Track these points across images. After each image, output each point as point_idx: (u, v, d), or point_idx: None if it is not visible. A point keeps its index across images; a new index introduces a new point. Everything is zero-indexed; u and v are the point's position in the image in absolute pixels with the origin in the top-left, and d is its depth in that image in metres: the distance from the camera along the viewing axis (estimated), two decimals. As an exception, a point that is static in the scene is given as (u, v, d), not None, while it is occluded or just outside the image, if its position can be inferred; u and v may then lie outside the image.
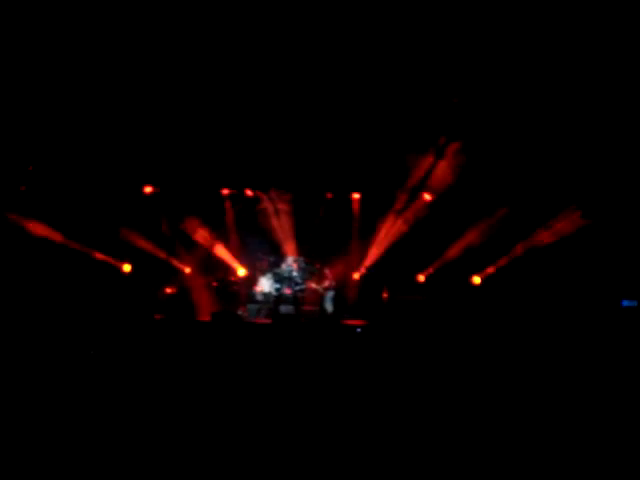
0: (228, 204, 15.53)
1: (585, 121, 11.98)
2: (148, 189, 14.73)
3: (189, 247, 14.75)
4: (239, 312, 13.25)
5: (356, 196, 15.52)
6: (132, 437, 5.35)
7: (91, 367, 7.98)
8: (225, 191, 15.46)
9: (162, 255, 14.41)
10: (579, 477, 4.76)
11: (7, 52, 10.70)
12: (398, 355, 9.46)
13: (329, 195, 15.46)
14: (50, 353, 8.44)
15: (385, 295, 14.02)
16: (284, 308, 13.49)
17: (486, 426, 5.81)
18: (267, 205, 15.32)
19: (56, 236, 12.97)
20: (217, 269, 14.87)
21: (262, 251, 14.94)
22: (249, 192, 15.45)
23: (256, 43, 11.21)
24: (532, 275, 12.87)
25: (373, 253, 14.93)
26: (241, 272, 15.01)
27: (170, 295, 13.81)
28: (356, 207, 15.57)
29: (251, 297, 14.01)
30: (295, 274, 14.25)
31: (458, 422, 5.94)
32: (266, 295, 13.72)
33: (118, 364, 8.23)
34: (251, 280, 14.65)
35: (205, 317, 12.56)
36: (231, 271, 14.97)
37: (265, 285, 13.85)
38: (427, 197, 14.57)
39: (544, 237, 12.92)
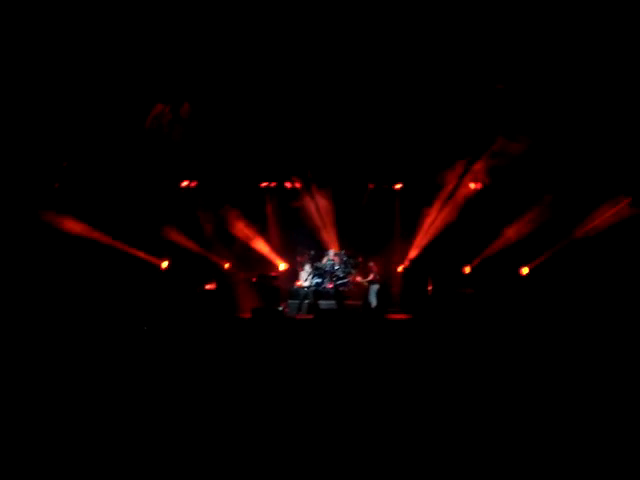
0: (268, 197, 15.36)
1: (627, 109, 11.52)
2: (185, 183, 14.69)
3: (228, 242, 14.60)
4: (280, 308, 13.00)
5: (398, 186, 15.18)
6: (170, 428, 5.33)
7: (128, 365, 7.89)
8: (264, 184, 15.31)
9: (201, 251, 14.29)
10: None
11: (43, 49, 10.69)
12: (444, 350, 9.12)
13: (371, 186, 15.16)
14: (84, 350, 8.39)
15: (430, 288, 13.64)
16: (325, 303, 13.22)
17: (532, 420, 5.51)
18: (308, 198, 15.08)
19: (92, 233, 12.94)
20: (257, 264, 14.66)
21: (303, 245, 14.72)
22: (289, 185, 15.25)
23: (299, 39, 11.06)
24: (580, 265, 12.41)
25: (417, 245, 14.57)
26: (282, 267, 14.79)
27: (210, 291, 13.66)
28: (398, 198, 15.22)
29: (292, 292, 13.77)
30: (337, 268, 13.96)
31: (509, 417, 5.65)
32: (307, 290, 13.41)
33: (157, 361, 8.14)
34: (292, 275, 14.46)
35: (246, 313, 12.35)
36: (271, 266, 14.78)
37: (306, 280, 13.56)
38: (472, 186, 14.13)
39: (592, 227, 12.47)
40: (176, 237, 13.93)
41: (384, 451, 4.94)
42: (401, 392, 6.68)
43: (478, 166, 13.72)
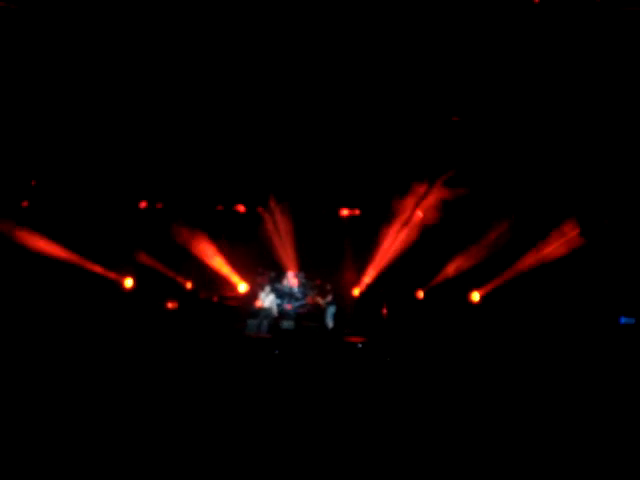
0: (227, 219, 15.63)
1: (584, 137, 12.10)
2: (144, 204, 14.90)
3: (189, 263, 14.82)
4: (239, 327, 13.30)
5: (345, 212, 15.67)
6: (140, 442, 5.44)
7: (98, 381, 8.01)
8: (223, 207, 15.59)
9: (163, 270, 14.48)
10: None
11: (10, 63, 10.76)
12: (398, 371, 9.53)
13: (324, 211, 15.61)
14: (53, 368, 8.48)
15: (385, 311, 14.12)
16: (285, 324, 13.54)
17: (482, 440, 5.88)
18: (267, 221, 15.42)
19: (56, 250, 13.03)
20: (218, 285, 14.92)
21: (262, 266, 15.03)
22: (242, 208, 15.58)
23: (258, 52, 11.26)
24: (531, 292, 12.95)
25: (373, 269, 15.02)
26: (242, 288, 15.09)
27: (172, 310, 13.86)
28: (354, 222, 15.69)
29: (252, 312, 14.04)
30: (296, 290, 14.34)
31: (453, 435, 6.01)
32: (266, 310, 13.73)
33: (121, 380, 8.27)
34: (252, 295, 14.74)
35: (207, 333, 12.60)
36: (232, 287, 15.05)
37: (266, 300, 13.88)
38: (420, 214, 14.69)
39: (543, 255, 13.02)
40: (140, 256, 14.13)
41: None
42: (357, 410, 7.00)
43: (429, 199, 14.30)
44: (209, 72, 11.39)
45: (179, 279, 14.71)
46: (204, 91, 11.95)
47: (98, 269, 13.51)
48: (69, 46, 10.56)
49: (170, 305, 13.93)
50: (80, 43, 10.54)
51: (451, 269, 13.98)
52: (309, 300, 14.31)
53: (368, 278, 14.99)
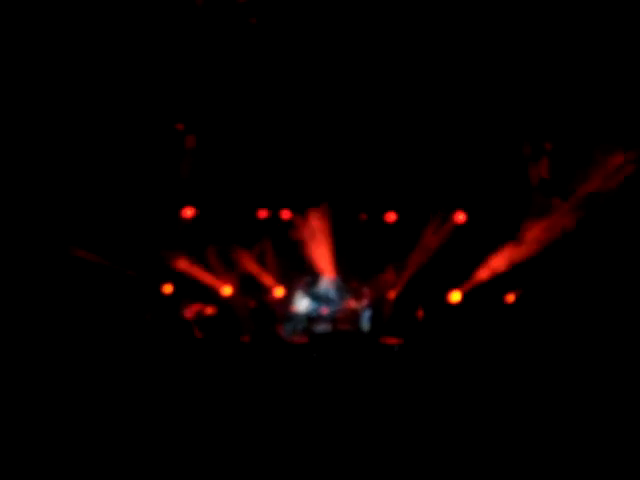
0: (265, 225, 15.81)
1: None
2: (188, 212, 15.18)
3: (229, 269, 15.06)
4: (277, 332, 13.46)
5: (391, 216, 15.68)
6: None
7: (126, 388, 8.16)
8: (262, 213, 15.77)
9: (203, 277, 14.76)
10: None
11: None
12: (433, 374, 9.50)
13: (364, 216, 15.65)
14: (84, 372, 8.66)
15: (420, 314, 14.10)
16: (320, 327, 13.64)
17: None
18: (303, 226, 15.55)
19: (95, 258, 13.40)
20: (255, 290, 15.12)
21: (298, 271, 15.17)
22: (286, 213, 15.73)
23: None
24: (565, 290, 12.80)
25: (409, 272, 15.03)
26: (279, 292, 15.25)
27: (211, 316, 14.08)
28: (391, 226, 15.71)
29: (288, 317, 14.18)
30: (332, 294, 14.42)
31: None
32: (302, 315, 13.85)
33: (156, 385, 8.41)
34: (288, 300, 14.90)
35: (245, 337, 12.79)
36: (269, 292, 15.23)
37: (302, 305, 14.01)
38: (460, 217, 14.69)
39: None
40: (179, 263, 14.46)
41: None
42: (396, 413, 7.02)
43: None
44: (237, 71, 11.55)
45: (218, 285, 14.96)
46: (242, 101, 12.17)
47: (137, 275, 13.86)
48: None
49: (209, 311, 14.13)
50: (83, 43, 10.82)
51: (486, 270, 13.94)
52: (345, 304, 14.38)
53: (405, 280, 15.01)
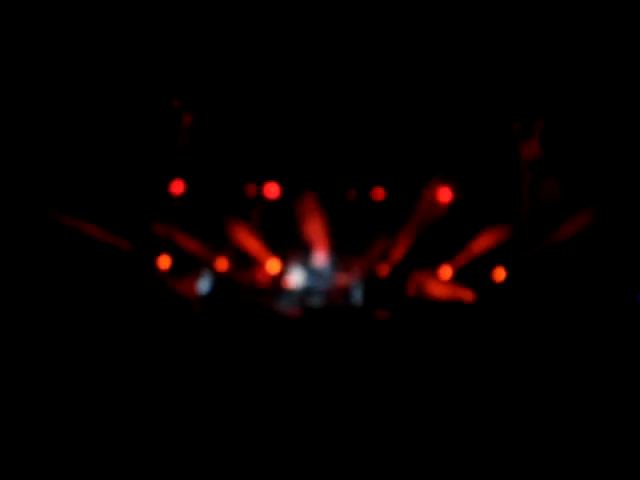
0: (257, 200, 15.86)
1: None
2: (179, 186, 15.25)
3: (222, 243, 15.17)
4: (270, 306, 13.63)
5: (380, 191, 15.80)
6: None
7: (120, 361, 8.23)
8: (253, 187, 15.84)
9: (197, 251, 14.89)
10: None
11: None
12: (424, 349, 9.66)
13: (354, 191, 15.77)
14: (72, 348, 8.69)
15: (411, 289, 14.32)
16: (314, 302, 13.80)
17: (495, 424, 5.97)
18: (296, 201, 15.63)
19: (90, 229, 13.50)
20: (249, 265, 15.27)
21: (292, 246, 15.31)
22: (276, 187, 15.80)
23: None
24: (549, 271, 13.00)
25: (401, 247, 15.20)
26: (273, 266, 15.40)
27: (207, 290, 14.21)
28: (381, 201, 15.83)
29: (282, 291, 14.31)
30: (324, 269, 14.56)
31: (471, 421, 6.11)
32: (295, 290, 13.98)
33: (156, 356, 8.51)
34: (281, 274, 15.05)
35: (239, 311, 12.97)
36: (262, 266, 15.39)
37: (295, 279, 14.11)
38: (449, 192, 14.85)
39: (561, 234, 13.02)
40: (174, 237, 14.59)
41: (375, 451, 5.24)
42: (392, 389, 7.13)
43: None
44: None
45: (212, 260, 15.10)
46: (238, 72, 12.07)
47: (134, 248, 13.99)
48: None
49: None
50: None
51: (477, 247, 14.14)
52: (338, 278, 14.53)
53: (397, 255, 15.18)
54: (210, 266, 14.85)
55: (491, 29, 11.88)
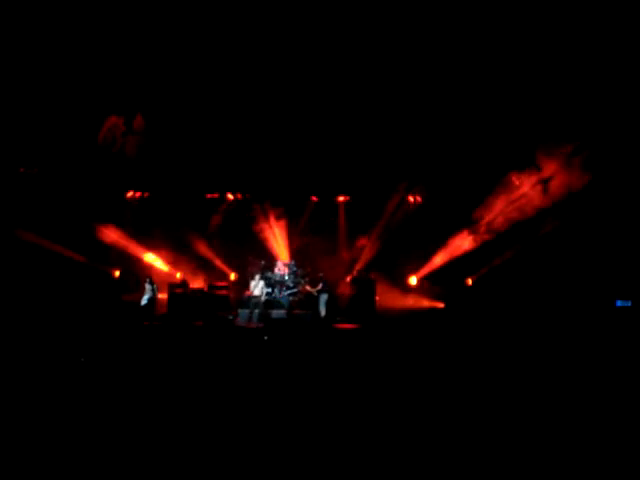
0: (216, 209, 15.51)
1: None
2: (130, 194, 14.84)
3: (180, 252, 14.72)
4: (230, 317, 13.15)
5: (341, 199, 15.59)
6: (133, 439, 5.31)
7: (85, 372, 7.86)
8: (211, 196, 15.45)
9: (154, 260, 14.41)
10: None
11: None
12: (390, 359, 9.40)
13: (314, 198, 15.53)
14: (41, 359, 8.31)
15: (377, 298, 14.03)
16: (276, 313, 13.37)
17: (481, 427, 5.77)
18: (257, 210, 15.29)
19: (42, 241, 12.95)
20: (208, 274, 14.76)
21: (253, 255, 14.87)
22: (230, 196, 15.48)
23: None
24: (526, 275, 12.87)
25: (365, 256, 14.95)
26: (232, 276, 14.94)
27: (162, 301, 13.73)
28: (342, 210, 15.62)
29: (243, 302, 13.84)
30: (287, 278, 14.18)
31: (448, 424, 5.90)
32: (256, 299, 13.48)
33: (113, 369, 8.12)
34: (242, 284, 14.57)
35: (197, 322, 12.46)
36: (222, 275, 14.91)
37: (256, 289, 13.63)
38: (411, 199, 14.68)
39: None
40: (127, 247, 14.04)
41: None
42: (348, 399, 6.85)
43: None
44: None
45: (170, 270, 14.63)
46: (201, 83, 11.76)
47: (84, 259, 13.45)
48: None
49: (161, 296, 13.74)
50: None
51: (444, 254, 13.95)
52: (301, 288, 14.16)
53: (360, 264, 14.92)
54: (166, 276, 14.42)
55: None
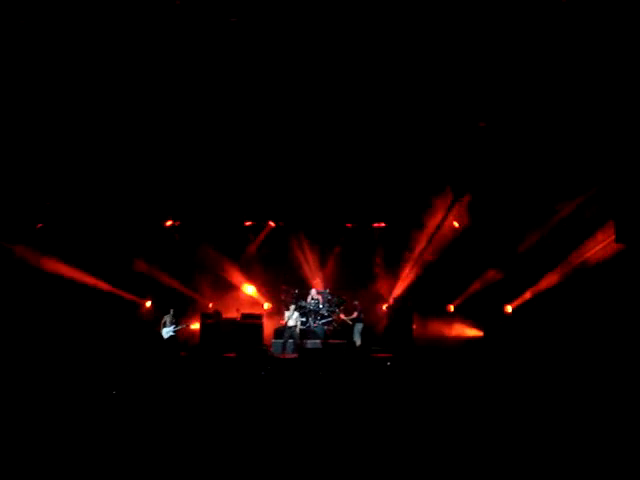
0: (251, 236, 15.44)
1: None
2: (169, 222, 14.85)
3: (213, 281, 14.66)
4: (264, 347, 12.95)
5: (377, 226, 15.36)
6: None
7: (115, 405, 7.77)
8: (248, 223, 15.41)
9: (185, 290, 14.36)
10: None
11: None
12: (427, 389, 9.11)
13: (349, 225, 15.35)
14: (71, 394, 8.25)
15: (415, 327, 13.70)
16: (310, 342, 13.16)
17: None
18: (291, 238, 15.19)
19: (74, 273, 12.98)
20: (241, 303, 14.61)
21: (287, 284, 14.73)
22: (271, 224, 15.39)
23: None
24: (566, 302, 12.39)
25: (401, 283, 14.67)
26: (266, 306, 14.79)
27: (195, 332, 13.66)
28: (380, 237, 15.37)
29: (277, 332, 13.65)
30: (321, 307, 13.97)
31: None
32: (291, 329, 13.26)
33: (143, 402, 8.02)
34: (276, 314, 14.41)
35: (231, 353, 12.28)
36: (256, 305, 14.77)
37: (291, 319, 13.43)
38: (456, 224, 14.30)
39: (580, 262, 12.38)
40: (159, 276, 14.06)
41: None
42: (385, 431, 6.64)
43: (460, 206, 13.97)
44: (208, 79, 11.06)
45: (200, 299, 14.55)
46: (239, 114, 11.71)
47: (117, 291, 13.47)
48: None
49: (193, 326, 13.66)
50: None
51: (482, 281, 13.59)
52: (335, 317, 13.93)
53: (397, 292, 14.63)
54: (199, 306, 14.36)
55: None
